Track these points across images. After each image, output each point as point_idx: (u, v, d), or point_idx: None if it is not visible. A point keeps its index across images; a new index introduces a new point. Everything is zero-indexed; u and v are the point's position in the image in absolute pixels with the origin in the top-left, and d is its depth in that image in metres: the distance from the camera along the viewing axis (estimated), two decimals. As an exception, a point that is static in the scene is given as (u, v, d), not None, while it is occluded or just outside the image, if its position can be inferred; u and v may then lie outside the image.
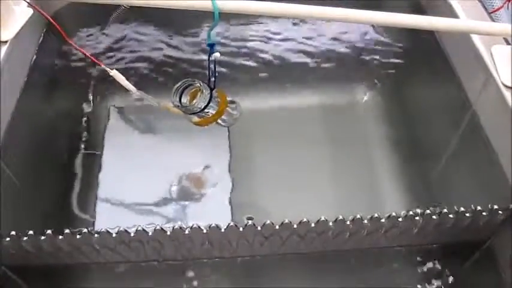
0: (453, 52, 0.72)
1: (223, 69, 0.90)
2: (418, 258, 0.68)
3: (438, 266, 0.68)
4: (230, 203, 0.82)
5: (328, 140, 0.88)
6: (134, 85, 0.68)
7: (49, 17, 0.64)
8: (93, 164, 0.83)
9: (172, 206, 0.84)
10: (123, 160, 0.86)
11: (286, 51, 0.89)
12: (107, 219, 0.80)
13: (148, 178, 0.85)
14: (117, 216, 0.81)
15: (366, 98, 0.93)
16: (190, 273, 0.66)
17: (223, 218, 0.81)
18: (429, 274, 0.68)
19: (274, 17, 0.84)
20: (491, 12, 0.72)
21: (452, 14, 0.71)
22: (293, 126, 0.90)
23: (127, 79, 0.68)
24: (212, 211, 0.83)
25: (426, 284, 0.67)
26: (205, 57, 0.65)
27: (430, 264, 0.68)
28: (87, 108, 0.88)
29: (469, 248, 0.64)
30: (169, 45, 0.86)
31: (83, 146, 0.85)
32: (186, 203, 0.84)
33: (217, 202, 0.83)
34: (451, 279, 0.67)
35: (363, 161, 0.86)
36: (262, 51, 0.89)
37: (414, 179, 0.82)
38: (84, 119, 0.87)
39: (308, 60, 0.90)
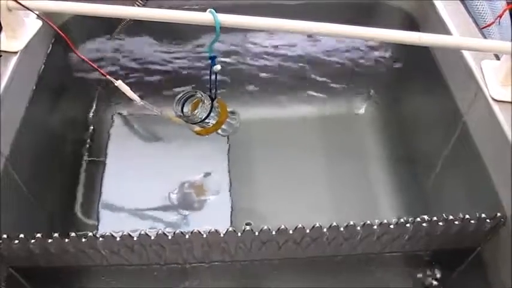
0: (445, 65, 0.74)
1: (225, 78, 0.92)
2: (410, 265, 0.70)
3: (429, 273, 0.70)
4: (230, 210, 0.85)
5: (325, 149, 0.91)
6: (137, 95, 0.71)
7: (57, 29, 0.67)
8: (96, 171, 0.86)
9: (174, 212, 0.86)
10: (125, 167, 0.88)
11: (284, 63, 0.92)
12: (110, 225, 0.82)
13: (150, 185, 0.87)
14: (119, 222, 0.83)
15: (362, 109, 0.96)
16: (191, 276, 0.68)
17: (223, 225, 0.83)
18: (420, 280, 0.70)
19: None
20: (483, 28, 0.75)
21: (445, 29, 0.74)
22: (291, 136, 0.93)
23: (131, 88, 0.71)
24: (212, 218, 0.85)
25: (417, 290, 0.70)
26: (206, 68, 0.67)
27: (421, 271, 0.70)
28: (91, 116, 0.91)
29: (460, 255, 0.66)
30: (172, 56, 0.89)
31: (87, 153, 0.87)
32: (187, 210, 0.86)
33: (217, 209, 0.85)
34: (441, 285, 0.69)
35: (358, 169, 0.88)
36: (261, 62, 0.92)
37: (408, 188, 0.84)
38: (89, 126, 0.90)
39: (306, 72, 0.93)
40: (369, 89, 0.96)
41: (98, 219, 0.82)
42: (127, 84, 0.71)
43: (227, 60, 0.91)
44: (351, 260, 0.66)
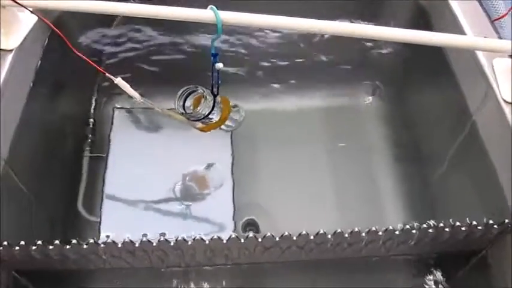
0: (456, 61, 0.72)
1: (227, 68, 0.90)
2: (414, 266, 0.70)
3: (433, 274, 0.69)
4: (233, 203, 0.84)
5: (329, 143, 0.90)
6: (137, 90, 0.69)
7: (52, 26, 0.65)
8: (98, 166, 0.85)
9: (177, 204, 0.86)
10: (128, 160, 0.87)
11: (289, 53, 0.89)
12: (113, 217, 0.82)
13: (152, 177, 0.86)
14: (122, 214, 0.83)
15: (368, 101, 0.94)
16: (193, 278, 0.68)
17: (225, 218, 0.83)
18: (424, 281, 0.69)
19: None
20: (495, 20, 0.72)
21: (455, 20, 0.71)
22: (295, 129, 0.91)
23: (130, 83, 0.69)
24: (215, 211, 0.85)
25: (421, 291, 0.69)
26: (208, 61, 0.65)
27: (425, 272, 0.69)
28: (92, 110, 0.89)
29: (465, 257, 0.66)
30: (172, 48, 0.87)
31: (88, 148, 0.86)
32: (190, 202, 0.86)
33: (220, 202, 0.85)
34: (445, 286, 0.69)
35: (363, 164, 0.87)
36: (264, 52, 0.89)
37: (413, 185, 0.83)
38: (90, 121, 0.88)
39: (311, 62, 0.90)
40: (376, 81, 0.93)
41: (101, 212, 0.81)
42: (126, 77, 0.69)
43: (229, 48, 0.88)
44: (354, 261, 0.65)
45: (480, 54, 0.65)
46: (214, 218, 0.84)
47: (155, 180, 0.86)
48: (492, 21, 0.71)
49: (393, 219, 0.81)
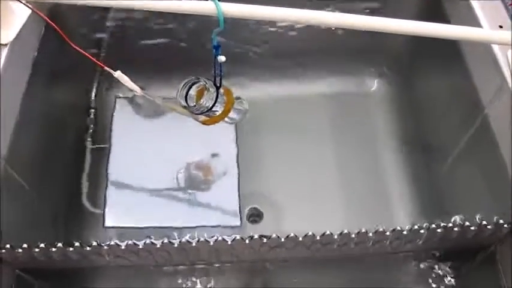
0: (468, 50, 0.69)
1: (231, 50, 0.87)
2: (420, 260, 0.69)
3: (440, 268, 0.69)
4: (237, 191, 0.83)
5: (335, 131, 0.88)
6: (138, 76, 0.67)
7: (47, 19, 0.63)
8: (101, 157, 0.84)
9: (181, 193, 0.85)
10: (131, 149, 0.86)
11: (294, 39, 0.86)
12: (118, 207, 0.82)
13: (156, 166, 0.86)
14: (127, 204, 0.83)
15: (374, 87, 0.91)
16: (198, 274, 0.68)
17: (231, 207, 0.82)
18: (430, 276, 0.69)
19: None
20: (511, 4, 0.68)
21: (469, 6, 0.68)
22: (300, 116, 0.89)
23: (132, 71, 0.67)
24: (220, 199, 0.84)
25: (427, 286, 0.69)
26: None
27: (432, 267, 0.69)
28: (93, 100, 0.87)
29: (472, 252, 0.65)
30: (175, 35, 0.84)
31: (90, 139, 0.85)
32: (195, 191, 0.85)
33: (225, 191, 0.84)
34: (452, 281, 0.68)
35: (368, 154, 0.85)
36: (268, 39, 0.86)
37: (420, 176, 0.81)
38: (91, 111, 0.86)
39: (316, 48, 0.87)
40: (382, 66, 0.90)
41: (105, 203, 0.81)
42: (126, 67, 0.67)
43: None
44: (362, 257, 0.64)
45: (495, 45, 0.62)
46: (221, 208, 0.83)
47: (159, 169, 0.86)
48: (506, 6, 0.68)
49: (400, 210, 0.80)
